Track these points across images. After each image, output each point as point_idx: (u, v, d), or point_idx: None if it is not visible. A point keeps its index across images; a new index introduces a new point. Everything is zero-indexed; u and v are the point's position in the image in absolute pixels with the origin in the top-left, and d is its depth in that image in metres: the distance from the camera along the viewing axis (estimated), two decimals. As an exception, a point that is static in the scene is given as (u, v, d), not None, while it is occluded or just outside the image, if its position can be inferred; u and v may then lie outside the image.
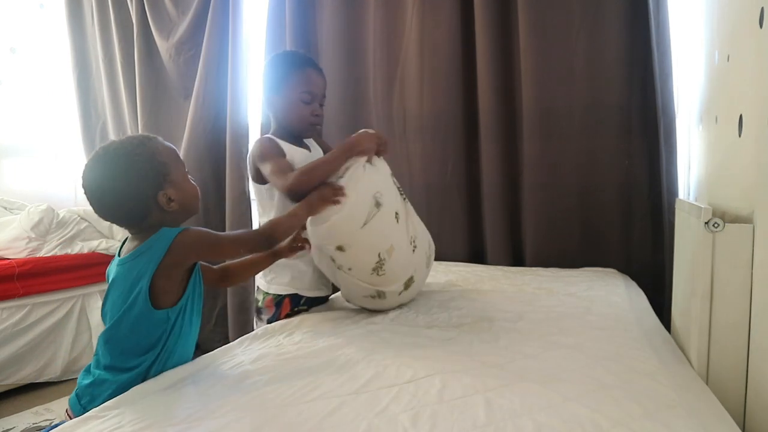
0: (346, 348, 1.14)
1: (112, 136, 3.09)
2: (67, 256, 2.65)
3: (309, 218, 1.31)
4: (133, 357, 1.02)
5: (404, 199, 1.48)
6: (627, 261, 1.98)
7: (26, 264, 2.49)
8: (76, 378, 1.10)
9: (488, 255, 2.16)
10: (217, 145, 2.66)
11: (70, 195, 3.31)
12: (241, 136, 2.58)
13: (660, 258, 1.92)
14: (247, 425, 0.81)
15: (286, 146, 1.47)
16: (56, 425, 0.89)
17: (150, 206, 1.05)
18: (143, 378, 1.02)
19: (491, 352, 1.11)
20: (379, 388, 0.93)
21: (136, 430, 0.81)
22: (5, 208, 3.06)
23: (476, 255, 2.20)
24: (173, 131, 2.75)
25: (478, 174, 2.16)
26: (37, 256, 2.62)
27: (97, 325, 2.64)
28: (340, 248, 1.31)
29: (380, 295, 1.38)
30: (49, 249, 2.65)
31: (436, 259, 1.69)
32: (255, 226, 2.57)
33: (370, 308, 1.44)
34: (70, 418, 1.03)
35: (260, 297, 1.54)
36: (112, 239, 2.81)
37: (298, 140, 1.53)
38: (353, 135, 1.40)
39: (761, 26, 0.96)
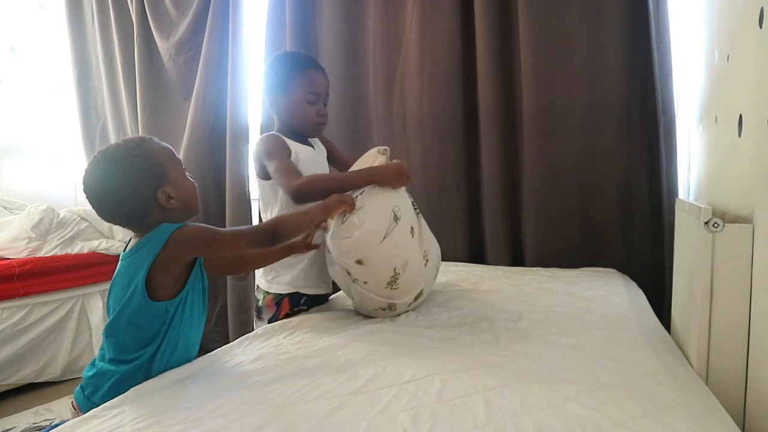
0: (346, 348, 1.14)
1: (112, 136, 3.09)
2: (67, 256, 2.65)
3: (331, 232, 1.30)
4: (133, 349, 1.04)
5: (417, 213, 1.49)
6: (627, 261, 1.98)
7: (26, 264, 2.49)
8: (77, 378, 1.12)
9: (488, 255, 2.16)
10: (217, 146, 2.66)
11: (70, 195, 3.31)
12: (241, 137, 2.59)
13: (660, 258, 1.92)
14: (247, 425, 0.81)
15: (291, 144, 1.47)
16: (56, 425, 0.90)
17: (150, 205, 1.07)
18: (146, 370, 1.04)
19: (491, 352, 1.11)
20: (379, 388, 0.93)
21: (136, 429, 0.81)
22: (5, 208, 3.06)
23: (476, 255, 2.20)
24: (173, 131, 2.75)
25: (478, 174, 2.16)
26: (38, 256, 2.62)
27: (97, 324, 2.64)
28: (359, 262, 1.30)
29: (391, 307, 1.38)
30: (49, 249, 2.65)
31: (437, 259, 1.69)
32: (256, 221, 2.57)
33: (379, 317, 1.44)
34: (75, 409, 1.06)
35: (260, 296, 1.55)
36: (113, 239, 2.81)
37: (302, 139, 1.54)
38: (384, 166, 1.38)
39: (761, 26, 0.96)
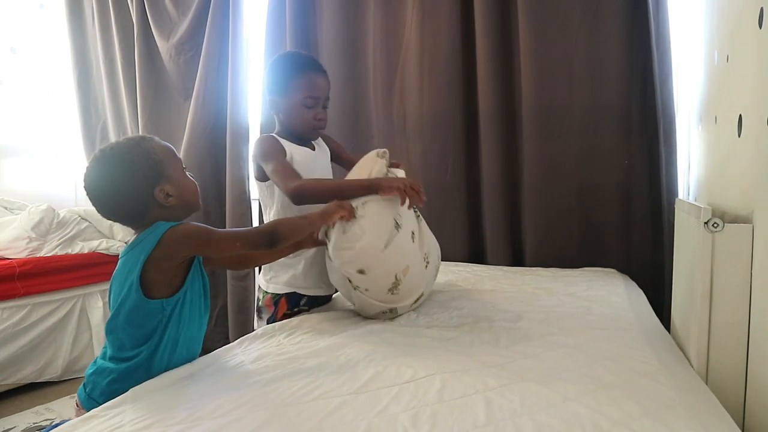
0: (346, 348, 1.14)
1: (112, 136, 3.09)
2: (67, 256, 2.65)
3: (333, 243, 1.30)
4: (131, 347, 1.05)
5: (418, 216, 1.48)
6: (627, 261, 1.98)
7: (27, 264, 2.49)
8: (77, 378, 1.13)
9: (488, 255, 2.16)
10: (217, 146, 2.66)
11: (70, 195, 3.31)
12: (241, 136, 2.59)
13: (660, 258, 1.92)
14: (247, 425, 0.81)
15: (288, 145, 1.47)
16: (57, 425, 0.90)
17: (148, 203, 1.07)
18: (147, 368, 1.04)
19: (491, 352, 1.11)
20: (379, 388, 0.93)
21: (136, 429, 0.81)
22: (6, 208, 3.07)
23: (476, 255, 2.20)
24: (173, 131, 2.75)
25: (478, 174, 2.16)
26: (38, 256, 2.62)
27: (97, 324, 2.64)
28: (361, 271, 1.30)
29: (392, 311, 1.39)
30: (49, 249, 2.65)
31: (437, 259, 1.69)
32: (256, 222, 2.57)
33: (381, 319, 1.44)
34: (77, 407, 1.07)
35: (261, 296, 1.55)
36: (113, 239, 2.82)
37: (301, 140, 1.53)
38: (384, 179, 1.33)
39: (761, 26, 0.96)
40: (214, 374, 1.03)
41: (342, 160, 1.70)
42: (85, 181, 1.07)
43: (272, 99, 1.52)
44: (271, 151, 1.43)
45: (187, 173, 1.16)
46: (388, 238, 1.29)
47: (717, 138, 1.29)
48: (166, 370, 1.05)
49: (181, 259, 1.07)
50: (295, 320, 1.37)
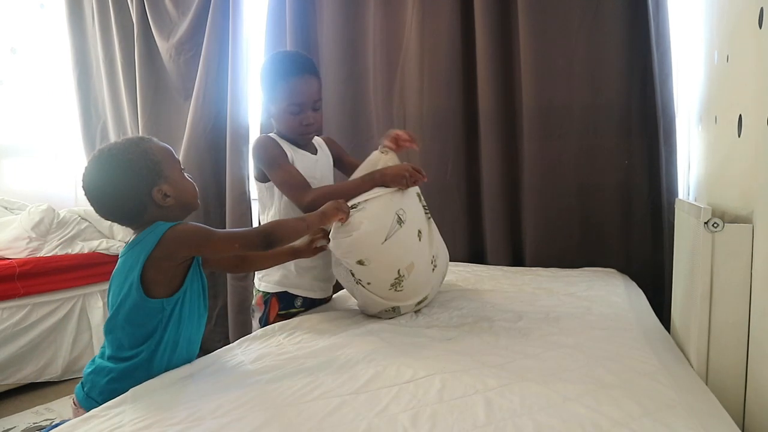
0: (346, 348, 1.14)
1: (112, 136, 3.09)
2: (67, 256, 2.65)
3: (332, 231, 1.31)
4: (130, 347, 1.05)
5: (429, 218, 1.48)
6: (627, 261, 1.98)
7: (27, 264, 2.49)
8: (77, 378, 1.13)
9: (488, 255, 2.16)
10: (217, 146, 2.66)
11: (70, 195, 3.31)
12: (241, 136, 2.59)
13: (660, 258, 1.92)
14: (247, 425, 0.81)
15: (288, 147, 1.46)
16: (57, 425, 0.90)
17: (146, 203, 1.08)
18: (147, 369, 1.04)
19: (491, 352, 1.11)
20: (379, 388, 0.93)
21: (136, 429, 0.81)
22: (6, 208, 3.07)
23: (476, 255, 2.20)
24: (173, 131, 2.75)
25: (478, 174, 2.16)
26: (38, 256, 2.62)
27: (97, 324, 2.64)
28: (360, 263, 1.31)
29: (395, 309, 1.39)
30: (49, 249, 2.65)
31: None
32: (255, 223, 2.57)
33: (384, 318, 1.44)
34: (75, 406, 1.07)
35: (254, 294, 1.54)
36: (113, 239, 2.82)
37: (300, 143, 1.51)
38: (388, 167, 1.39)
39: (761, 26, 0.96)
40: (214, 374, 1.03)
41: (344, 164, 1.68)
42: (83, 181, 1.07)
43: (264, 103, 1.51)
44: (275, 157, 1.42)
45: (185, 174, 1.16)
46: (389, 231, 1.29)
47: (717, 138, 1.29)
48: (166, 370, 1.05)
49: (181, 259, 1.07)
50: (294, 320, 1.37)
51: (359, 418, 0.83)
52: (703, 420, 0.80)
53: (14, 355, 2.38)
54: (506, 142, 2.09)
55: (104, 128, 3.18)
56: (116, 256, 1.11)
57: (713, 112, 1.32)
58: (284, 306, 1.49)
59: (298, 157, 1.47)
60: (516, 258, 2.13)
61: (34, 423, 2.12)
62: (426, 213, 1.48)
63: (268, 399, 0.90)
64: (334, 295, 1.67)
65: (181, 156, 2.62)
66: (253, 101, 2.59)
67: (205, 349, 1.17)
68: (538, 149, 2.02)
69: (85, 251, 2.70)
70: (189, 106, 2.70)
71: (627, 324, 1.29)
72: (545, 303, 1.48)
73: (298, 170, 1.42)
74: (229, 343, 1.25)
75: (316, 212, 1.26)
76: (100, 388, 1.04)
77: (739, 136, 1.08)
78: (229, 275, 2.62)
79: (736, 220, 1.04)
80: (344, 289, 1.55)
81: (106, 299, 2.68)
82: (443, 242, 1.58)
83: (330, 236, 1.32)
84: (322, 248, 1.40)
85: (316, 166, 1.53)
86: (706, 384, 1.02)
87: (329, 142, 1.65)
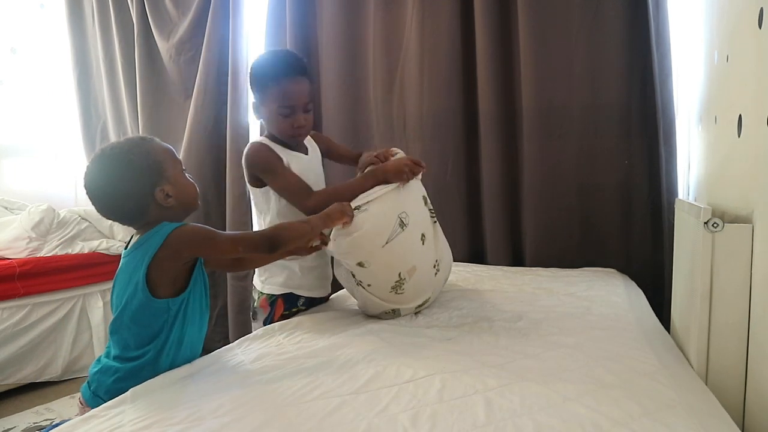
0: (346, 348, 1.14)
1: (112, 136, 3.09)
2: (67, 256, 2.65)
3: (333, 231, 1.31)
4: (136, 347, 1.06)
5: (434, 222, 1.48)
6: (627, 261, 1.98)
7: (27, 264, 2.49)
8: (77, 378, 1.13)
9: (488, 255, 2.16)
10: (217, 146, 2.66)
11: (70, 195, 3.31)
12: (241, 136, 2.58)
13: (660, 258, 1.92)
14: (247, 425, 0.81)
15: (281, 151, 1.44)
16: (57, 425, 0.90)
17: (148, 203, 1.08)
18: (152, 368, 1.04)
19: (491, 352, 1.11)
20: (379, 387, 0.93)
21: (136, 429, 0.81)
22: (6, 208, 3.07)
23: (476, 255, 2.20)
24: (173, 131, 2.75)
25: (478, 174, 2.16)
26: (38, 256, 2.62)
27: (97, 324, 2.64)
28: (360, 264, 1.31)
29: (395, 311, 1.39)
30: (49, 249, 2.65)
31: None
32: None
33: (383, 319, 1.44)
34: (81, 405, 1.08)
35: (256, 297, 1.54)
36: (113, 239, 2.81)
37: (291, 144, 1.50)
38: (388, 163, 1.39)
39: (761, 26, 0.96)
40: (214, 374, 1.04)
41: (333, 154, 1.67)
42: (84, 180, 1.08)
43: (255, 104, 1.48)
44: (271, 163, 1.41)
45: (186, 174, 1.16)
46: (390, 234, 1.29)
47: (717, 138, 1.29)
48: (171, 369, 1.05)
49: (185, 260, 1.07)
50: (294, 320, 1.37)
51: (359, 418, 0.83)
52: (703, 420, 0.80)
53: (14, 355, 2.38)
54: (506, 142, 2.09)
55: (104, 128, 3.17)
56: (116, 256, 1.12)
57: (713, 112, 1.33)
58: (288, 307, 1.50)
59: (292, 160, 1.45)
60: (516, 258, 2.13)
61: (34, 423, 2.12)
62: (432, 217, 1.47)
63: (268, 399, 0.90)
64: (333, 295, 1.67)
65: (181, 156, 2.61)
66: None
67: (205, 349, 1.17)
68: (538, 149, 2.02)
69: (85, 251, 2.70)
70: (189, 106, 2.70)
71: (627, 324, 1.29)
72: (545, 303, 1.48)
73: (296, 174, 1.41)
74: (229, 343, 1.26)
75: (320, 215, 1.26)
76: (107, 387, 1.04)
77: (739, 136, 1.08)
78: (229, 275, 2.62)
79: (736, 220, 1.04)
80: (344, 289, 1.55)
81: (106, 299, 2.71)
82: (448, 246, 1.57)
83: (331, 236, 1.32)
84: (318, 248, 1.40)
85: (309, 165, 1.52)
86: (706, 384, 1.02)
87: (315, 137, 1.62)
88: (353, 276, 1.36)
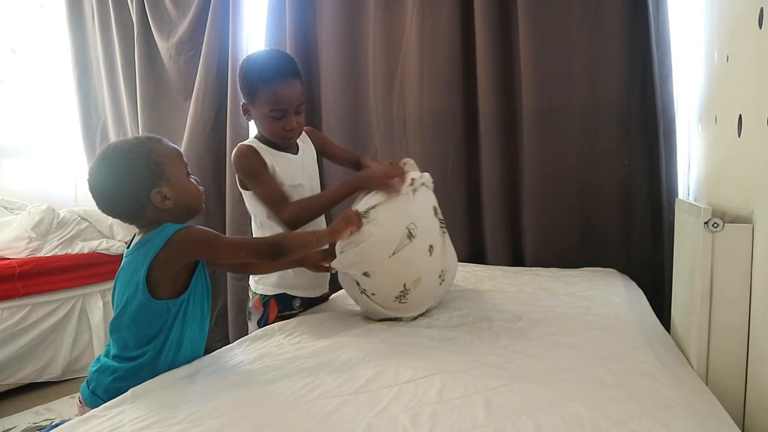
0: (346, 348, 1.14)
1: (112, 136, 3.09)
2: (67, 256, 2.65)
3: (339, 243, 1.30)
4: (135, 347, 1.06)
5: (444, 232, 1.47)
6: (627, 261, 1.98)
7: (27, 264, 2.49)
8: (77, 378, 1.14)
9: (488, 255, 2.16)
10: (217, 145, 2.66)
11: (70, 195, 3.31)
12: (241, 136, 2.58)
13: (660, 258, 1.92)
14: (247, 425, 0.81)
15: (268, 154, 1.43)
16: (56, 425, 0.90)
17: (143, 203, 1.08)
18: (151, 369, 1.04)
19: (491, 352, 1.11)
20: (379, 388, 0.93)
21: (136, 429, 0.81)
22: (6, 208, 3.07)
23: (476, 255, 2.20)
24: (173, 131, 2.75)
25: (478, 174, 2.16)
26: (38, 256, 2.63)
27: (97, 324, 2.64)
28: (366, 274, 1.30)
29: (396, 319, 1.38)
30: (49, 249, 2.65)
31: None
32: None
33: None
34: (80, 404, 1.08)
35: (250, 296, 1.54)
36: (113, 239, 2.81)
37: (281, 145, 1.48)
38: (363, 171, 1.39)
39: (761, 26, 0.96)
40: (214, 374, 1.03)
41: (328, 153, 1.66)
42: (88, 175, 1.09)
43: (244, 105, 1.45)
44: (254, 170, 1.40)
45: (191, 178, 1.16)
46: (398, 245, 1.29)
47: (717, 138, 1.29)
48: (170, 370, 1.05)
49: (185, 263, 1.07)
50: (294, 321, 1.37)
51: (359, 418, 0.83)
52: (703, 420, 0.80)
53: (14, 355, 2.38)
54: (506, 142, 2.09)
55: (104, 128, 3.17)
56: (116, 256, 1.12)
57: (713, 112, 1.32)
58: (283, 308, 1.49)
59: (279, 161, 1.44)
60: (516, 258, 2.13)
61: (34, 423, 2.12)
62: (442, 227, 1.46)
63: (268, 399, 0.90)
64: (333, 295, 1.67)
65: (181, 156, 2.61)
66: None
67: (206, 349, 1.17)
68: (538, 149, 2.02)
69: (85, 251, 2.70)
70: (189, 105, 2.70)
71: (627, 324, 1.29)
72: (545, 303, 1.48)
73: (277, 184, 1.40)
74: (229, 343, 1.26)
75: (327, 229, 1.25)
76: (105, 387, 1.04)
77: (739, 136, 1.08)
78: (229, 275, 2.62)
79: (736, 220, 1.04)
80: (343, 289, 1.55)
81: (106, 299, 2.71)
82: (455, 256, 1.56)
83: (337, 248, 1.31)
84: (327, 269, 1.39)
85: (300, 164, 1.50)
86: (706, 384, 1.02)
87: (311, 133, 1.60)
88: (358, 284, 1.36)
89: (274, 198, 1.38)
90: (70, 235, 2.70)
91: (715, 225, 1.02)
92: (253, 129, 2.58)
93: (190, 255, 1.07)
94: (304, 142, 1.56)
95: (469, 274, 1.89)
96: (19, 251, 2.64)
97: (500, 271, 1.96)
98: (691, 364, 1.09)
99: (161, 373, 1.04)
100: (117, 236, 2.83)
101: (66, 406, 2.28)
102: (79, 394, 1.11)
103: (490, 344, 1.16)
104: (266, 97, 1.38)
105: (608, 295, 1.57)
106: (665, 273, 1.86)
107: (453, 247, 1.54)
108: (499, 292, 1.64)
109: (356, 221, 1.27)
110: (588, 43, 1.97)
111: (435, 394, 0.90)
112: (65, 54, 3.21)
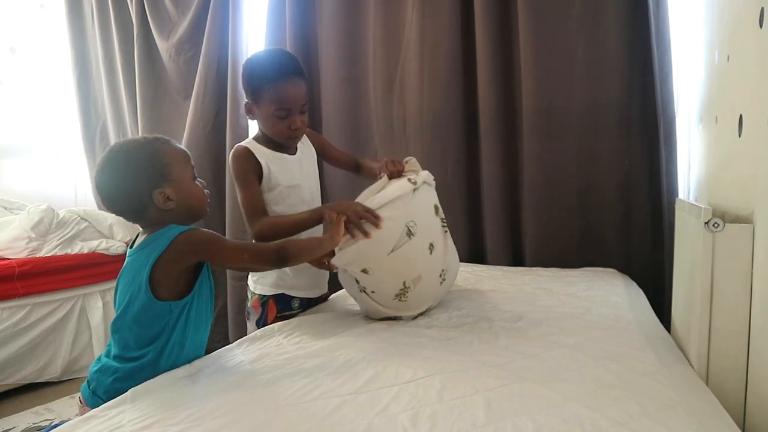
0: (346, 348, 1.14)
1: (112, 136, 3.10)
2: (67, 256, 2.65)
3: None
4: (136, 347, 1.05)
5: (446, 231, 1.46)
6: (627, 261, 1.97)
7: (26, 264, 2.49)
8: (77, 378, 1.14)
9: (488, 255, 2.16)
10: (216, 146, 2.66)
11: (70, 195, 3.31)
12: (241, 136, 2.58)
13: (660, 258, 1.92)
14: (247, 425, 0.81)
15: (264, 155, 1.43)
16: (56, 425, 0.90)
17: (145, 203, 1.08)
18: (153, 370, 1.04)
19: (491, 352, 1.11)
20: (379, 388, 0.93)
21: (136, 429, 0.81)
22: (5, 208, 3.07)
23: (476, 255, 2.20)
24: (173, 131, 2.75)
25: (478, 174, 2.16)
26: (37, 256, 2.62)
27: (97, 324, 2.64)
28: (365, 271, 1.30)
29: (396, 318, 1.38)
30: (49, 249, 2.65)
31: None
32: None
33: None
34: (81, 404, 1.08)
35: (249, 296, 1.54)
36: (112, 239, 2.81)
37: (281, 146, 1.48)
38: (333, 203, 1.38)
39: (761, 26, 0.96)
40: (214, 374, 1.03)
41: (326, 156, 1.66)
42: (95, 172, 1.10)
43: (247, 104, 1.45)
44: (243, 174, 1.41)
45: (197, 180, 1.16)
46: (397, 243, 1.29)
47: (717, 138, 1.29)
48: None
49: (188, 264, 1.07)
50: (294, 321, 1.37)
51: (359, 418, 0.83)
52: (703, 420, 0.80)
53: (14, 355, 2.37)
54: (506, 142, 2.09)
55: (104, 128, 3.18)
56: (116, 256, 1.12)
57: (713, 112, 1.32)
58: (282, 308, 1.49)
59: (276, 162, 1.44)
60: (516, 258, 2.13)
61: (33, 423, 2.12)
62: (443, 226, 1.46)
63: (268, 399, 0.90)
64: (333, 295, 1.67)
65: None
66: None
67: (206, 349, 1.17)
68: (538, 149, 2.02)
69: (85, 251, 2.70)
70: (188, 105, 2.70)
71: (627, 324, 1.29)
72: (545, 303, 1.48)
73: (258, 195, 1.41)
74: (228, 343, 1.25)
75: (327, 235, 1.25)
76: (106, 387, 1.04)
77: (739, 136, 1.08)
78: (228, 275, 2.62)
79: (736, 220, 1.04)
80: (343, 289, 1.55)
81: (106, 299, 2.70)
82: (457, 256, 1.56)
83: (335, 248, 1.31)
84: (330, 267, 1.39)
85: (298, 165, 1.50)
86: (707, 384, 1.02)
87: (311, 135, 1.61)
88: (357, 282, 1.35)
89: (253, 207, 1.39)
90: (69, 235, 2.70)
91: (716, 225, 1.02)
92: (252, 129, 2.59)
93: (193, 257, 1.07)
94: (303, 143, 1.56)
95: (469, 274, 1.89)
96: (18, 251, 2.64)
97: (500, 271, 1.96)
98: (691, 364, 1.09)
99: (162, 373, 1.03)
100: (117, 236, 2.83)
101: (65, 406, 2.28)
102: (79, 394, 1.11)
103: (490, 344, 1.16)
104: (271, 96, 1.38)
105: (608, 295, 1.57)
106: (665, 273, 1.86)
107: (455, 247, 1.53)
108: (499, 292, 1.64)
109: (340, 219, 1.24)
110: (588, 43, 1.97)
111: (435, 394, 0.90)
112: (65, 54, 3.21)
